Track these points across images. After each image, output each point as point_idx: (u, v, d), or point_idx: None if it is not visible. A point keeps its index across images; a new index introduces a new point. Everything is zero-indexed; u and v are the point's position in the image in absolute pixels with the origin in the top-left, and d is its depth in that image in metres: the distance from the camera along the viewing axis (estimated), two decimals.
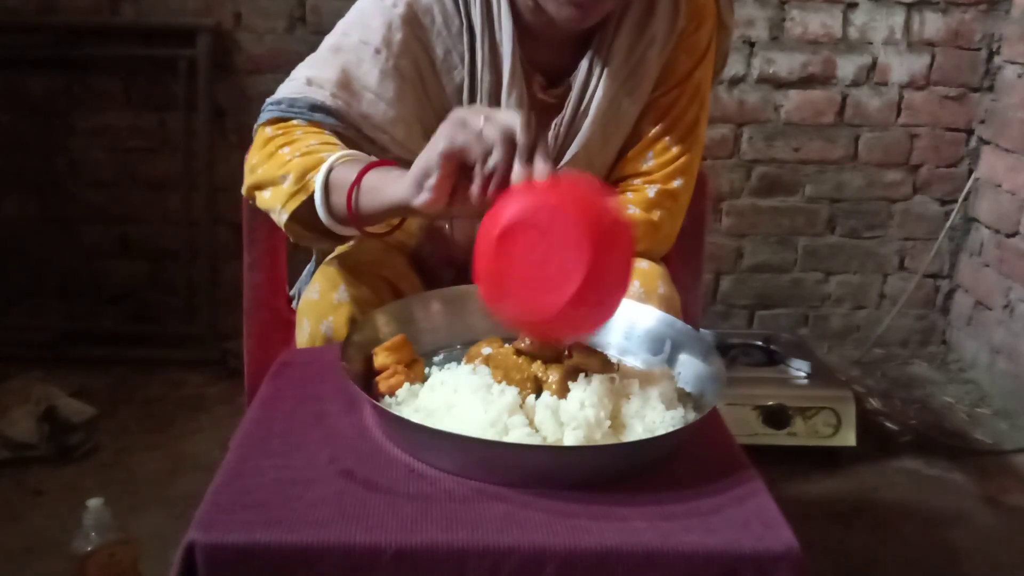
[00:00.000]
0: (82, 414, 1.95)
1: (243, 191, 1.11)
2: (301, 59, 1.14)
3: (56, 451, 1.90)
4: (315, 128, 1.07)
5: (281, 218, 1.04)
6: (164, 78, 2.32)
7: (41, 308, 2.41)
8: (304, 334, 1.12)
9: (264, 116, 1.10)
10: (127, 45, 2.32)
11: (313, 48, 1.16)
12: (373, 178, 0.96)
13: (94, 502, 1.39)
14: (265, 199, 1.06)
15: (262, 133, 1.10)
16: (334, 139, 1.07)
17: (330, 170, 0.98)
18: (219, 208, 2.36)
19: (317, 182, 0.99)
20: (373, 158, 1.01)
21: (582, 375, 0.87)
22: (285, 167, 1.02)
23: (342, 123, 1.08)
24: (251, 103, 2.30)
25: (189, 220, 2.38)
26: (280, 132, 1.08)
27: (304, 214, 1.02)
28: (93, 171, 2.40)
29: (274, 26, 2.31)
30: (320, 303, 1.12)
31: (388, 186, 0.93)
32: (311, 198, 1.00)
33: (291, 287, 1.38)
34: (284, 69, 2.12)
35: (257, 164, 1.08)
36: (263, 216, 1.30)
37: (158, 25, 2.29)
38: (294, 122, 1.08)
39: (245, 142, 1.16)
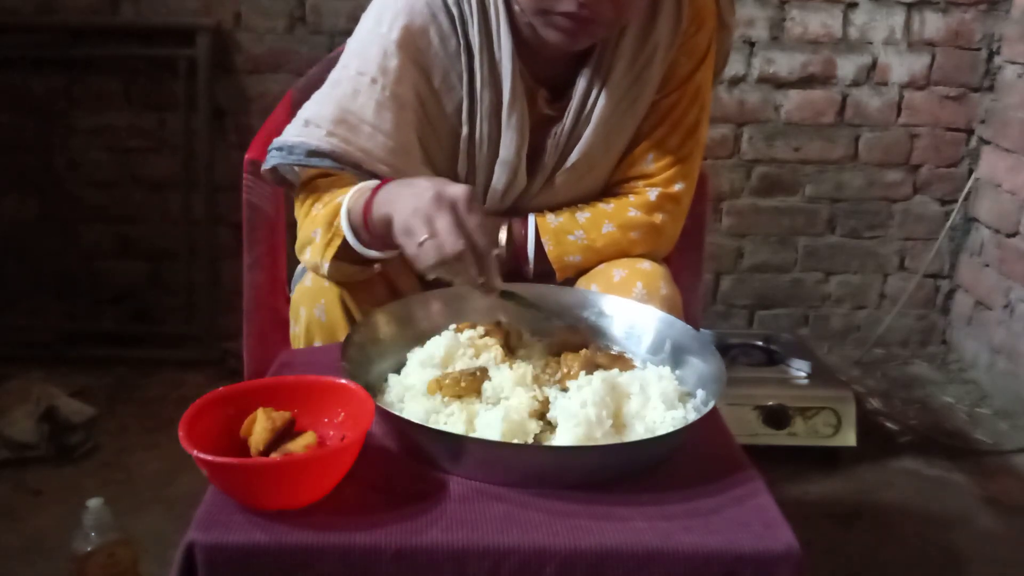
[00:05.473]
0: (82, 414, 1.95)
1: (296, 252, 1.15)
2: (301, 59, 1.14)
3: (56, 451, 1.90)
4: (333, 175, 1.09)
5: (325, 269, 1.07)
6: (164, 78, 2.31)
7: (41, 308, 2.41)
8: (300, 321, 1.13)
9: (269, 162, 1.10)
10: (127, 45, 2.31)
11: (312, 48, 1.16)
12: (386, 193, 0.98)
13: (94, 502, 1.38)
14: (307, 259, 1.10)
15: (297, 201, 1.13)
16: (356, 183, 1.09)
17: (348, 206, 1.02)
18: (219, 208, 2.36)
19: (342, 219, 1.02)
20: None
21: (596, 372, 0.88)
22: (313, 223, 1.06)
23: (339, 164, 1.07)
24: (251, 103, 2.29)
25: (189, 220, 2.37)
26: (310, 191, 1.11)
27: (343, 255, 1.05)
28: (93, 171, 2.39)
29: (274, 26, 2.30)
30: (312, 288, 1.12)
31: (393, 202, 0.95)
32: (345, 240, 1.03)
33: (291, 287, 1.38)
34: (284, 69, 2.17)
35: (298, 227, 1.11)
36: (263, 216, 1.31)
37: (158, 25, 2.29)
38: (317, 181, 1.10)
39: (245, 142, 1.15)
